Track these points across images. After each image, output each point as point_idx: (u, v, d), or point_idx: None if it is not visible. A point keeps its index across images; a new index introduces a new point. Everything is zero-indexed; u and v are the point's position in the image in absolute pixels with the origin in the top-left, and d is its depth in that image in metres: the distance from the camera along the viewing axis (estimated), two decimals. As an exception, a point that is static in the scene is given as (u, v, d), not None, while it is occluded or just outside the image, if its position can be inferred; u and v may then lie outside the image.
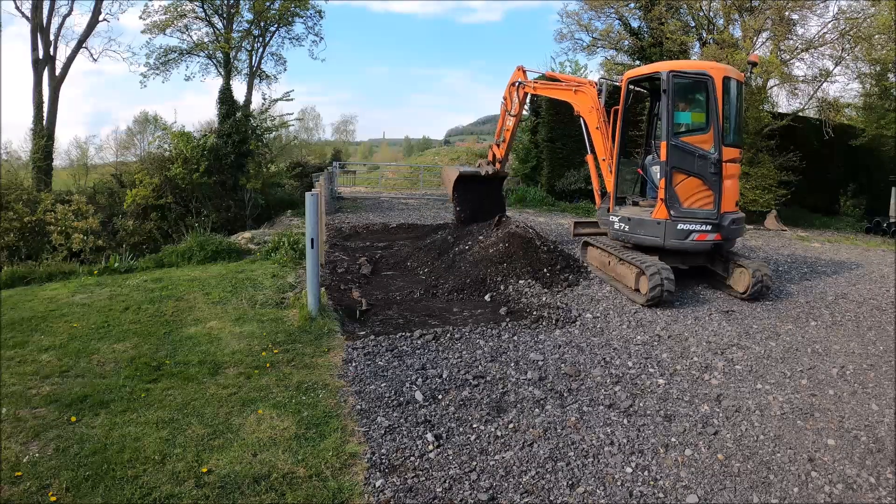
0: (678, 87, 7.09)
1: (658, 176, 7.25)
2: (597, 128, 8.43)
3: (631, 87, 7.90)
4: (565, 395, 4.44)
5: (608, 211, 8.21)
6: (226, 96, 20.57)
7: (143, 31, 21.75)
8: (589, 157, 8.84)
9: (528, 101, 10.45)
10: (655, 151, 7.78)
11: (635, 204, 8.01)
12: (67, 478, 3.15)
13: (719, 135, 6.86)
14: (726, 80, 6.97)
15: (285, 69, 30.39)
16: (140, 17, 21.93)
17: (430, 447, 3.63)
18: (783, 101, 19.18)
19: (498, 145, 10.64)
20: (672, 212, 6.96)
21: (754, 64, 8.46)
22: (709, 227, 6.95)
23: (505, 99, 10.39)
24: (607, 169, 8.27)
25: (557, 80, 9.59)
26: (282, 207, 19.45)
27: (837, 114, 16.83)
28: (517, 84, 9.94)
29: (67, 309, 6.22)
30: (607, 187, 8.37)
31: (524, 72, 9.93)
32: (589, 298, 7.11)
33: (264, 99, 22.84)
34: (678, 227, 6.94)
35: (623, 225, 7.61)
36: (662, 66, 7.26)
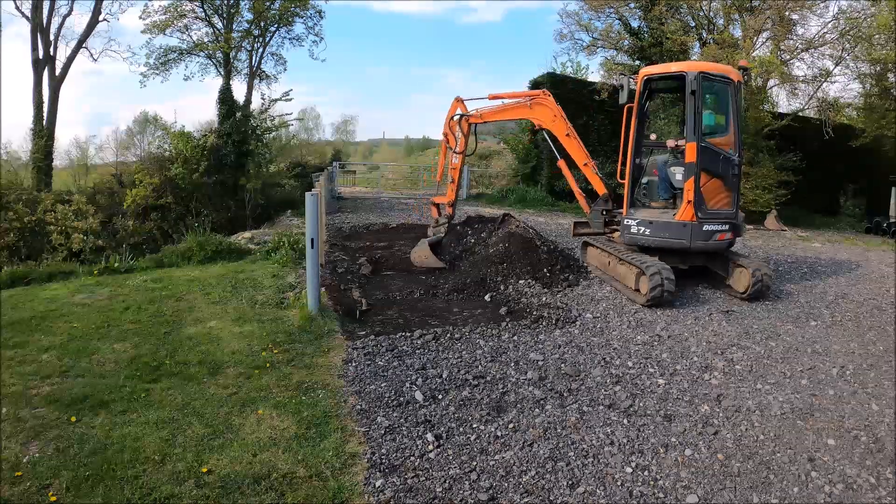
0: (706, 89, 7.05)
1: (678, 177, 7.22)
2: (567, 135, 8.25)
3: (648, 84, 7.73)
4: (565, 395, 4.43)
5: (602, 213, 8.17)
6: (226, 96, 20.56)
7: (143, 31, 21.74)
8: (561, 163, 8.70)
9: (474, 132, 9.27)
10: (645, 152, 7.80)
11: (644, 206, 7.86)
12: (67, 478, 3.15)
13: (739, 137, 6.94)
14: (739, 83, 7.11)
15: (285, 69, 30.34)
16: (140, 18, 21.91)
17: (430, 447, 3.63)
18: (783, 101, 19.21)
19: (443, 191, 9.65)
20: (699, 213, 6.96)
21: (745, 69, 8.39)
22: (727, 227, 7.05)
23: (446, 136, 9.40)
24: (591, 171, 8.22)
25: (503, 101, 8.93)
26: (282, 207, 19.43)
27: (838, 114, 16.85)
28: (458, 117, 9.07)
29: (67, 309, 6.22)
30: (598, 190, 8.34)
31: (462, 102, 9.09)
32: (589, 298, 7.11)
33: (263, 99, 22.78)
34: (704, 229, 6.96)
35: (643, 228, 7.33)
36: (688, 67, 7.20)
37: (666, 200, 7.61)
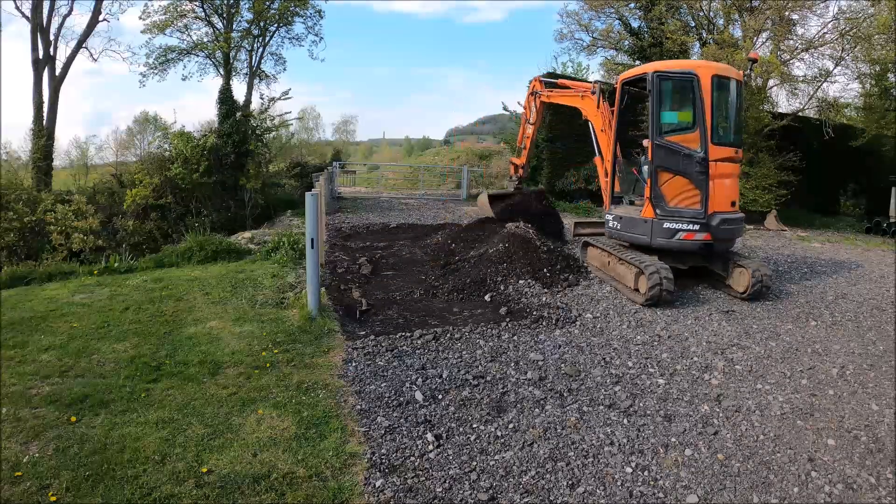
0: (665, 87, 7.17)
1: (646, 175, 7.28)
2: (601, 130, 8.52)
3: (626, 88, 7.88)
4: (565, 395, 4.44)
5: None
6: (225, 96, 20.53)
7: (142, 31, 21.72)
8: (597, 160, 8.86)
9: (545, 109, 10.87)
10: (643, 151, 7.82)
11: (631, 203, 8.07)
12: (67, 478, 3.15)
13: (706, 133, 6.83)
14: (717, 78, 6.93)
15: (285, 69, 30.39)
16: (140, 17, 21.89)
17: (430, 447, 3.63)
18: (783, 101, 19.18)
19: (518, 153, 11.23)
20: (658, 210, 7.03)
21: (754, 61, 8.49)
22: (696, 227, 6.91)
23: (525, 109, 10.90)
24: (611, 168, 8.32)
25: (567, 87, 9.85)
26: (282, 207, 19.41)
27: (837, 114, 16.83)
28: (534, 94, 10.38)
29: (67, 309, 6.22)
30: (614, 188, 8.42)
31: (542, 82, 10.34)
32: (589, 298, 7.11)
33: (263, 99, 22.78)
34: (664, 226, 7.00)
35: (616, 223, 7.79)
36: (649, 67, 7.36)
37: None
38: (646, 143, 7.79)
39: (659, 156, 7.05)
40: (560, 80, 10.37)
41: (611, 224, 7.92)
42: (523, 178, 11.28)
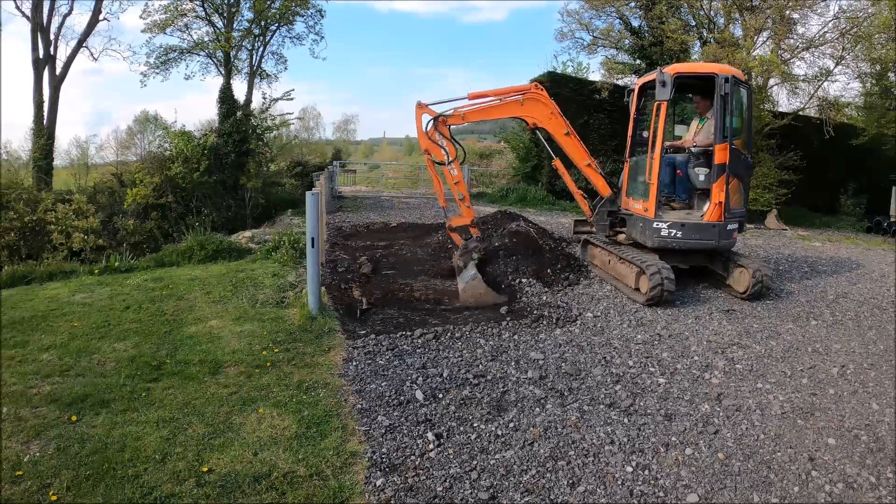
0: (734, 92, 6.96)
1: (702, 178, 7.23)
2: (566, 133, 7.92)
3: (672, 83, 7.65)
4: (566, 394, 4.43)
5: (607, 215, 8.14)
6: (226, 96, 20.54)
7: (143, 31, 21.73)
8: (557, 162, 8.47)
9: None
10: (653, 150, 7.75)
11: (669, 207, 7.62)
12: (68, 477, 3.15)
13: (751, 138, 7.03)
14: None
15: (286, 68, 30.42)
16: (140, 17, 21.90)
17: (431, 446, 3.63)
18: (783, 101, 19.17)
19: (454, 210, 8.06)
20: (726, 213, 7.05)
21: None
22: (737, 226, 7.24)
23: (429, 150, 7.69)
24: (594, 172, 8.17)
25: (487, 98, 7.78)
26: (282, 207, 19.44)
27: (838, 113, 16.81)
28: (436, 121, 7.62)
29: (68, 308, 6.22)
30: (601, 191, 8.30)
31: (426, 107, 7.66)
32: (589, 297, 7.11)
33: (264, 98, 22.75)
34: (728, 228, 7.08)
35: (674, 231, 7.10)
36: (716, 68, 7.23)
37: (683, 201, 7.52)
38: (688, 143, 7.59)
39: (732, 159, 6.98)
40: (472, 94, 7.70)
41: (665, 232, 7.10)
42: (480, 236, 8.33)
